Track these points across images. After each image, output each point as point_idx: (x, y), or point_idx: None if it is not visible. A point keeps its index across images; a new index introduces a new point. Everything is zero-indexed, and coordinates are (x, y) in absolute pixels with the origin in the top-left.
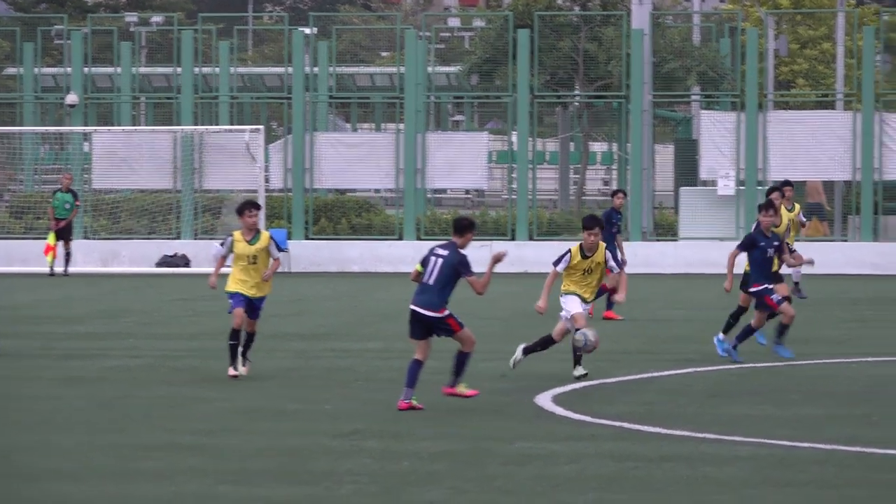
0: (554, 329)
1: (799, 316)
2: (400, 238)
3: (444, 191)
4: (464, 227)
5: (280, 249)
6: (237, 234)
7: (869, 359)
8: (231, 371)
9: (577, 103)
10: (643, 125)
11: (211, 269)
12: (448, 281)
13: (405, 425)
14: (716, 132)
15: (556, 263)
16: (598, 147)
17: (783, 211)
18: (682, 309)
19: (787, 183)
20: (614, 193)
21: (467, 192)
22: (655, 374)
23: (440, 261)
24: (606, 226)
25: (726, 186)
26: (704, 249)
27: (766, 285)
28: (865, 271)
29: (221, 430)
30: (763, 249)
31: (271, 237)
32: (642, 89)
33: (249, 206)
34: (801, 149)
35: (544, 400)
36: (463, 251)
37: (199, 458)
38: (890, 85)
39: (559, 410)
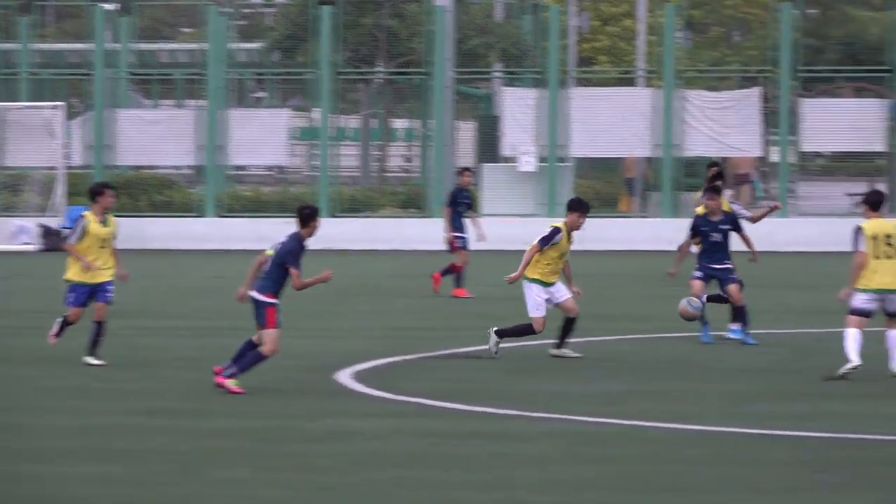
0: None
1: (600, 293)
2: (201, 215)
3: (245, 167)
4: (306, 217)
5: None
6: (90, 216)
7: (669, 334)
8: (52, 337)
9: (379, 80)
10: (445, 102)
11: (8, 248)
12: (280, 270)
13: (206, 403)
14: (518, 109)
15: (543, 242)
16: (400, 124)
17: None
18: (481, 286)
19: (713, 163)
20: (461, 171)
21: (269, 168)
22: (458, 350)
23: (278, 247)
24: (453, 205)
25: (528, 163)
26: (506, 226)
27: (701, 272)
28: (665, 247)
29: (23, 409)
30: (705, 234)
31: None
32: (444, 66)
33: (107, 186)
34: (602, 125)
35: (345, 377)
36: (307, 240)
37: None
38: (691, 62)
39: (360, 388)
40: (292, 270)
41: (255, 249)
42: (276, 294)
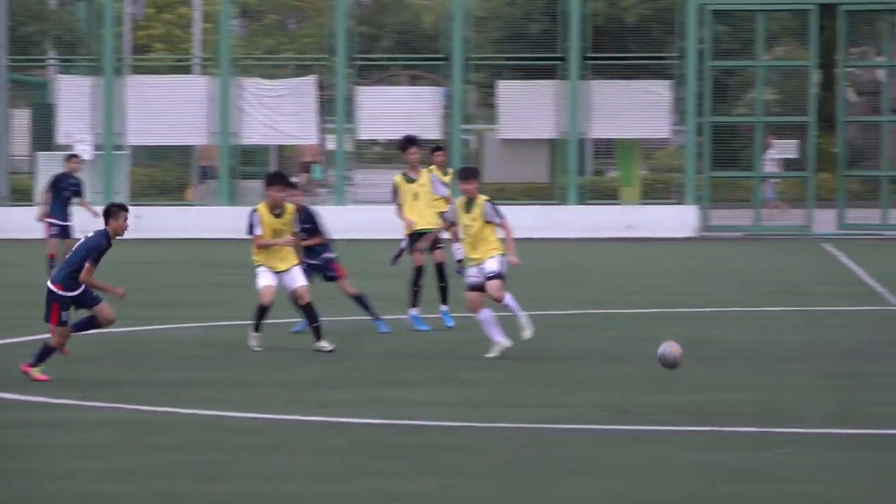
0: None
1: (159, 281)
2: None
3: None
4: (108, 214)
5: None
6: None
7: (228, 322)
8: None
9: None
10: None
11: None
12: (79, 262)
13: None
14: (73, 97)
15: (250, 231)
16: None
17: (440, 175)
18: (38, 276)
19: (438, 148)
20: (69, 157)
21: None
22: (7, 340)
23: (81, 241)
24: (56, 190)
25: (83, 151)
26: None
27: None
28: (223, 235)
29: None
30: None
31: None
32: None
33: None
34: (159, 113)
35: None
36: (114, 237)
37: None
38: (246, 49)
39: None
40: (87, 264)
41: None
42: (67, 286)
